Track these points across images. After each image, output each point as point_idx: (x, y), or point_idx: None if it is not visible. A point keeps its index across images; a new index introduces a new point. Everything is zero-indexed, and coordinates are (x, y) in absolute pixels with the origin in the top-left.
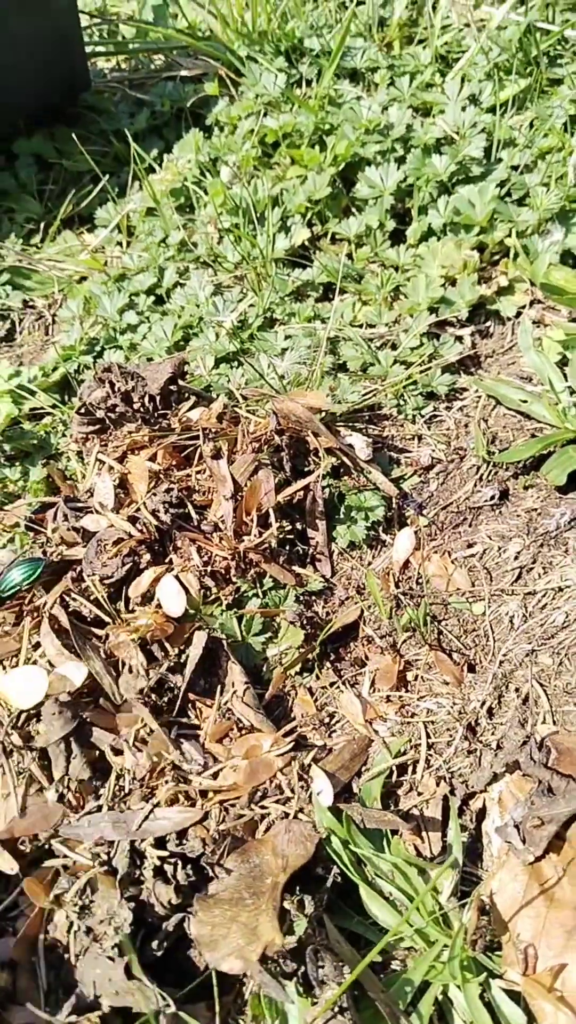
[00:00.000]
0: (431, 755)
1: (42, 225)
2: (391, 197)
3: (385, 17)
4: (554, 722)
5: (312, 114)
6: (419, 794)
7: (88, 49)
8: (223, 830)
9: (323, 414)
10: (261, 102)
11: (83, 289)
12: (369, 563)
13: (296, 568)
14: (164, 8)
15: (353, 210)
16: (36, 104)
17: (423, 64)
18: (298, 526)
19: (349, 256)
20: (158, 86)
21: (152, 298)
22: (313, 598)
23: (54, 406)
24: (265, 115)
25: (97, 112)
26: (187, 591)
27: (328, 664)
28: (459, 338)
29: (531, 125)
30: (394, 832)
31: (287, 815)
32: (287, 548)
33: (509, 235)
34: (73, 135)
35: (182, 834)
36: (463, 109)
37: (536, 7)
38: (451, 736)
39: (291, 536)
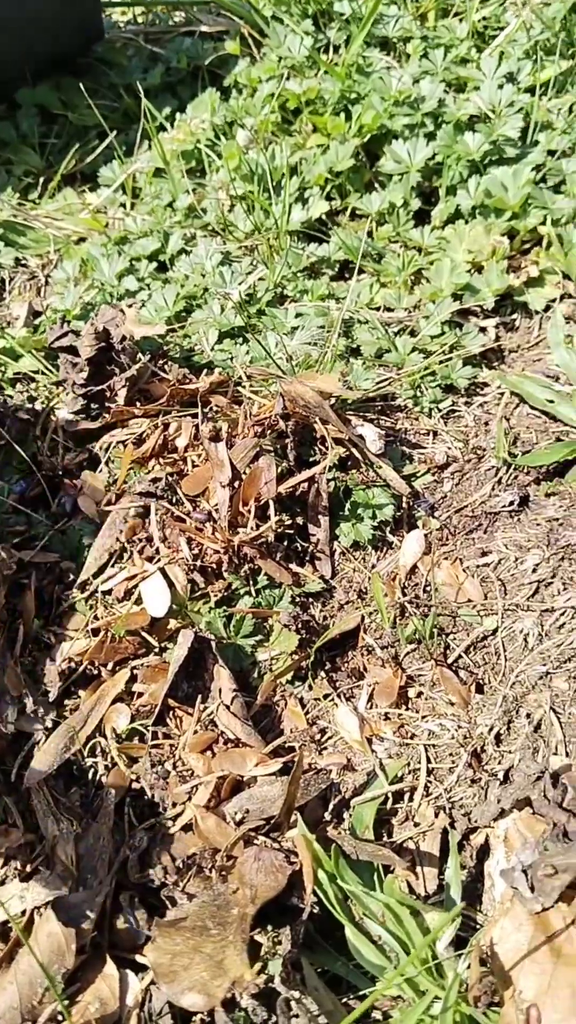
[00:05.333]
0: (431, 782)
1: (41, 180)
2: (418, 174)
3: None
4: (567, 753)
5: (339, 81)
6: (415, 825)
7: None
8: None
9: (333, 400)
10: (284, 65)
11: (81, 251)
12: (373, 566)
13: (293, 566)
14: None
15: (376, 185)
16: (45, 52)
17: (459, 38)
18: (298, 521)
19: (369, 234)
20: (175, 41)
21: (154, 264)
22: (310, 600)
23: (38, 371)
24: (287, 79)
25: (108, 65)
26: (172, 586)
27: (323, 674)
28: (483, 329)
29: (571, 109)
30: (386, 867)
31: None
32: (285, 544)
33: (543, 223)
34: (81, 87)
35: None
36: (500, 87)
37: None
38: (454, 762)
39: (290, 531)
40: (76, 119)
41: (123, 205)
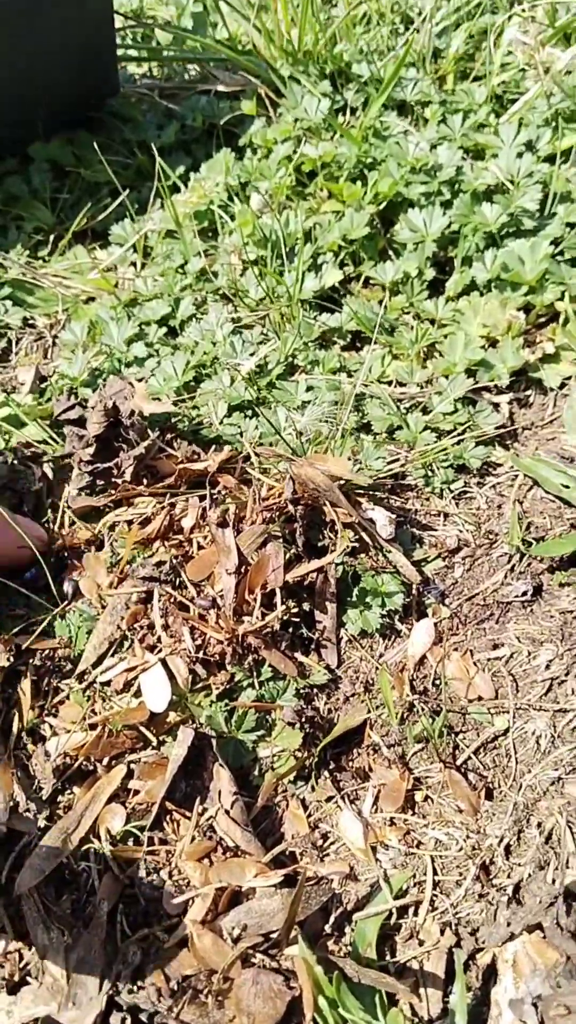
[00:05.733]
0: (436, 895)
1: (52, 237)
2: (434, 244)
3: (440, 48)
4: None
5: (355, 145)
6: (420, 943)
7: (120, 52)
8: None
9: (344, 482)
10: (300, 127)
11: (89, 311)
12: (380, 655)
13: (298, 655)
14: (204, 16)
15: (391, 254)
16: (59, 106)
17: (477, 103)
18: (304, 607)
19: (382, 304)
20: (191, 99)
21: (164, 329)
22: (315, 691)
23: (43, 441)
24: (303, 141)
25: (123, 120)
26: (173, 678)
27: (326, 773)
28: (496, 406)
29: None
30: (390, 993)
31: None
32: (290, 631)
33: (560, 298)
34: (94, 143)
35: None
36: (518, 156)
37: None
38: (461, 875)
39: (296, 618)
40: (88, 175)
41: (134, 265)
